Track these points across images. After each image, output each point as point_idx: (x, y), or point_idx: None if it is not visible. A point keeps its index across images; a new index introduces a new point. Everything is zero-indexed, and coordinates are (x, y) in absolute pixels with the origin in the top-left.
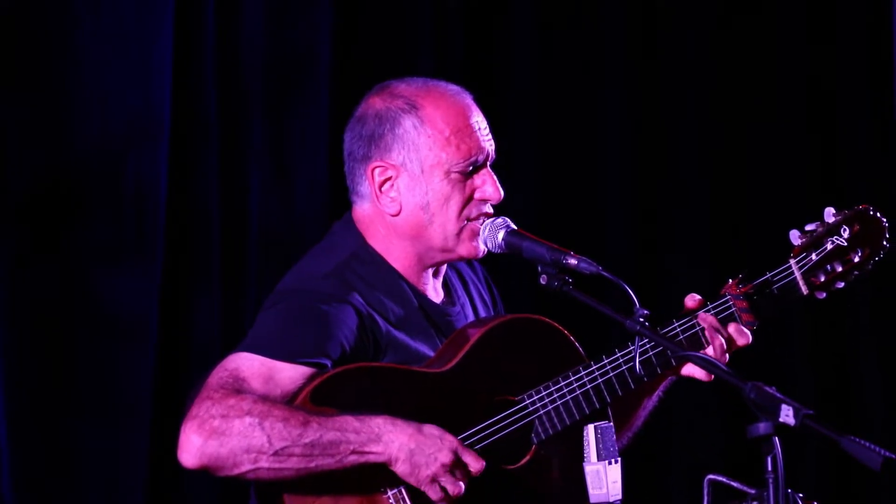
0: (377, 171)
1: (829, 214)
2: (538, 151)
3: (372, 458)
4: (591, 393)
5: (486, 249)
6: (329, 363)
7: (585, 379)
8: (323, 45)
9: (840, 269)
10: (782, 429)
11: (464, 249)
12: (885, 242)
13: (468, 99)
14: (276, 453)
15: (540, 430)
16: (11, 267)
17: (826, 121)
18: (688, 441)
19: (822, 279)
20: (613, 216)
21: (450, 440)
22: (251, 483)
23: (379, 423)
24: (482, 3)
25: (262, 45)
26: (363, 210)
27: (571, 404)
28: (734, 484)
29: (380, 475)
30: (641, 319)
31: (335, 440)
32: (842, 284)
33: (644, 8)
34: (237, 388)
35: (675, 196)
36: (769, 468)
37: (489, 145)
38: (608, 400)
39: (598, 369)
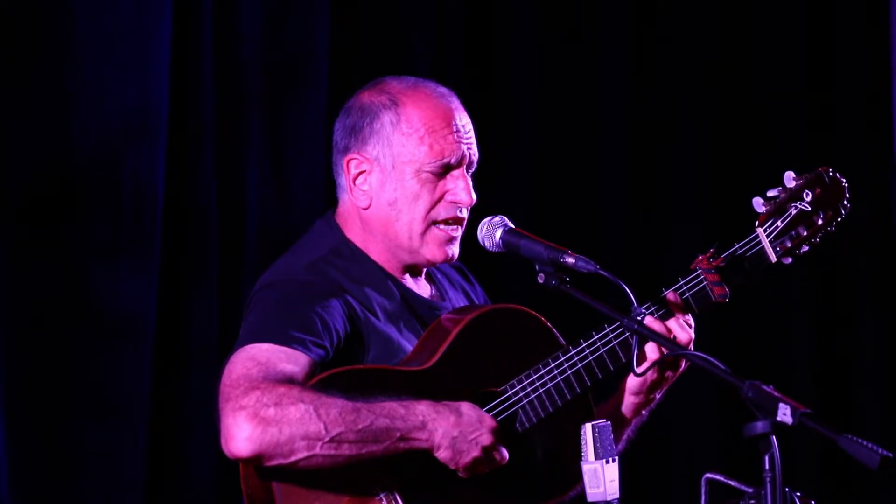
0: (352, 163)
1: (790, 179)
2: (536, 150)
3: (416, 444)
4: (572, 378)
5: (456, 255)
6: (324, 348)
7: (565, 365)
8: (321, 44)
9: (805, 233)
10: (780, 427)
11: (428, 252)
12: (846, 203)
13: (454, 102)
14: (331, 440)
15: (524, 419)
16: (9, 266)
17: (825, 120)
18: (685, 440)
19: (788, 245)
20: (612, 215)
21: (489, 423)
22: (260, 483)
23: (423, 411)
24: (482, 3)
25: (260, 45)
26: (343, 202)
27: (553, 391)
28: (732, 483)
29: (373, 477)
30: (639, 318)
31: (385, 427)
32: (807, 248)
33: (644, 7)
34: (277, 374)
35: (673, 195)
36: (767, 467)
37: (467, 149)
38: (588, 384)
39: (577, 354)
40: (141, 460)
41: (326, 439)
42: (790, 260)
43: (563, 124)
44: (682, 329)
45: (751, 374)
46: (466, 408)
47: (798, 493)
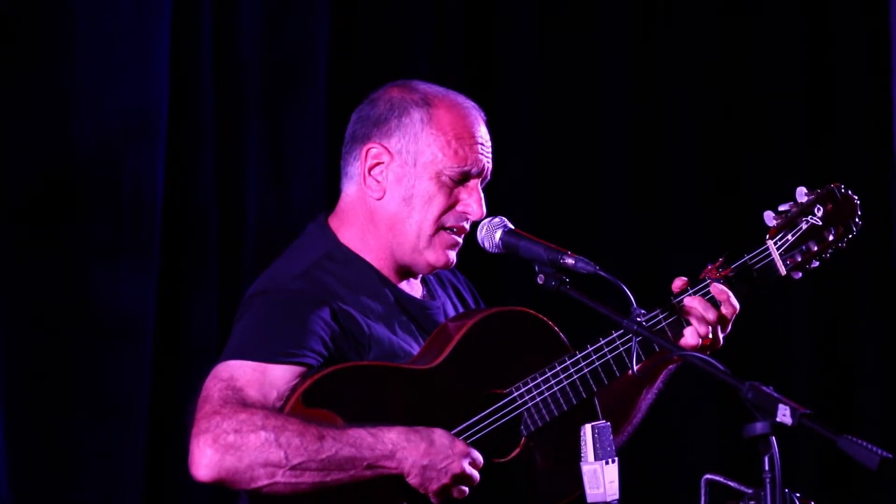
0: (372, 151)
1: (802, 194)
2: (536, 150)
3: (384, 472)
4: (578, 383)
5: (454, 262)
6: (315, 358)
7: (572, 369)
8: (320, 45)
9: (815, 248)
10: (779, 428)
11: (432, 255)
12: (857, 220)
13: (480, 116)
14: (292, 468)
15: (529, 422)
16: (9, 266)
17: (825, 120)
18: (685, 440)
19: (799, 259)
20: (612, 215)
21: (460, 449)
22: (262, 497)
23: (392, 439)
24: (482, 3)
25: (259, 45)
26: (347, 193)
27: (559, 395)
28: (731, 483)
29: (381, 490)
30: (638, 319)
31: (350, 456)
32: (817, 264)
33: (644, 8)
34: (239, 399)
35: (673, 195)
36: (766, 468)
37: (487, 162)
38: (595, 389)
39: (584, 359)
40: (141, 460)
41: (287, 467)
42: (800, 275)
43: (563, 124)
44: (729, 305)
45: (752, 376)
46: (439, 435)
47: (798, 494)
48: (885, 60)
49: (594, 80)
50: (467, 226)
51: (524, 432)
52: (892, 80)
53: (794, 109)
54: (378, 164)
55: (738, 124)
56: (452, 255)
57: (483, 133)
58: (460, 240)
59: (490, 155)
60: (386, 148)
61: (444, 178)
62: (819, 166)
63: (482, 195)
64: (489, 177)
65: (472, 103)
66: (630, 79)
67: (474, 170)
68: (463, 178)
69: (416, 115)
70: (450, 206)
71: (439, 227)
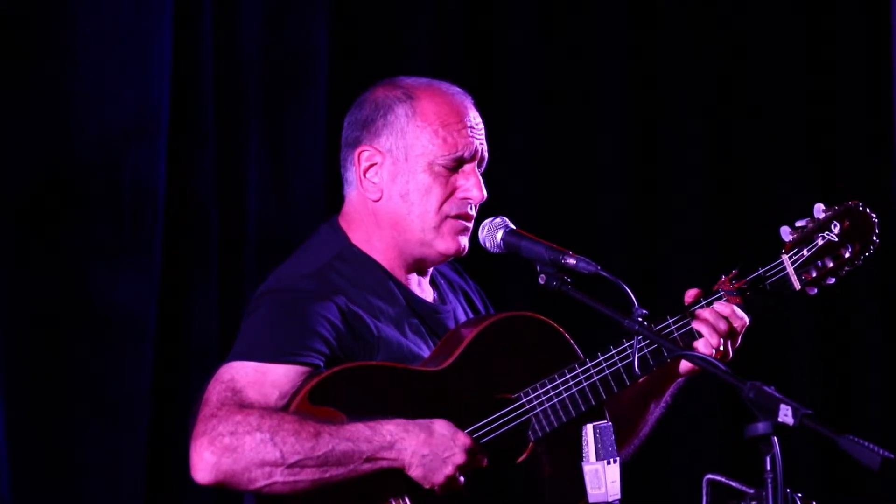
0: (364, 155)
1: (819, 210)
2: (536, 150)
3: (385, 464)
4: (588, 390)
5: (467, 248)
6: (319, 358)
7: (581, 376)
8: (320, 45)
9: (831, 264)
10: (781, 428)
11: (441, 245)
12: (875, 238)
13: (467, 101)
14: (289, 467)
15: (537, 427)
16: (10, 266)
17: (825, 120)
18: (687, 440)
19: (814, 275)
20: (612, 216)
21: (462, 440)
22: (264, 496)
23: (391, 430)
24: (482, 3)
25: (260, 46)
26: (350, 198)
27: (568, 401)
28: (733, 483)
29: (382, 484)
30: (640, 319)
31: (348, 451)
32: (833, 280)
33: (643, 8)
34: (238, 401)
35: (673, 196)
36: (768, 468)
37: (480, 145)
38: (604, 397)
39: (594, 366)
40: (141, 460)
41: (284, 466)
42: (815, 291)
43: (563, 124)
44: (737, 318)
45: (753, 376)
46: (440, 425)
47: (799, 494)
48: (885, 60)
49: (594, 80)
50: (471, 211)
51: (532, 437)
52: (892, 80)
53: (794, 109)
54: (372, 165)
55: (738, 125)
56: (464, 241)
57: (472, 116)
58: (469, 224)
59: (482, 137)
60: (376, 149)
61: (437, 167)
62: (819, 167)
63: (480, 178)
64: (486, 158)
65: (458, 89)
66: (630, 79)
67: (466, 154)
68: (457, 165)
69: (401, 110)
70: (449, 195)
71: (443, 217)
